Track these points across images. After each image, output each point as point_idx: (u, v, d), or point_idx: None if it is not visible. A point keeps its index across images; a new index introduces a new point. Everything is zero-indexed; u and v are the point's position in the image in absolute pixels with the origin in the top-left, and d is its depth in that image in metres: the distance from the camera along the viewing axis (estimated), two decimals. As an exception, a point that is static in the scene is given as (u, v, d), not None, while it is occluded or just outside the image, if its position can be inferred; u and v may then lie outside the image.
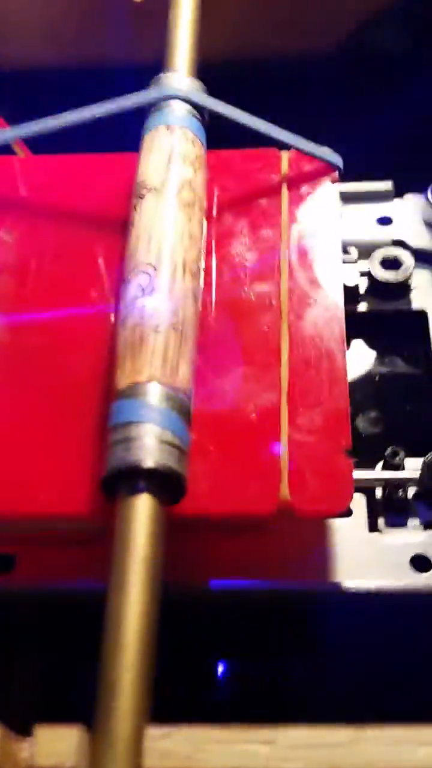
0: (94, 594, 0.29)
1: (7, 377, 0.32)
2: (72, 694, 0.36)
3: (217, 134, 0.35)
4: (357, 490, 0.33)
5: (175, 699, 0.24)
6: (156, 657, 0.23)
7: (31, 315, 0.33)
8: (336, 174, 0.36)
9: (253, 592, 0.32)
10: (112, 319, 0.32)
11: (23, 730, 0.22)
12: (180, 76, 0.35)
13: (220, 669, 0.35)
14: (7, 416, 0.31)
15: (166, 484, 0.26)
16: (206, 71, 0.37)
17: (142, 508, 0.25)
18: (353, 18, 0.45)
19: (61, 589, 0.33)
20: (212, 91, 0.36)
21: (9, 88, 0.46)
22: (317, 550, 0.33)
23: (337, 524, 0.33)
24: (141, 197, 0.31)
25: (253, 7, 0.44)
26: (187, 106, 0.34)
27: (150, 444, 0.25)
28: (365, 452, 0.35)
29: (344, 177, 0.37)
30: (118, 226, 0.34)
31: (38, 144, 0.37)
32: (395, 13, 0.45)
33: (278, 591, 0.32)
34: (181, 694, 0.30)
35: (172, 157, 0.32)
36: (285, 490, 0.28)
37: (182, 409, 0.27)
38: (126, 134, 0.36)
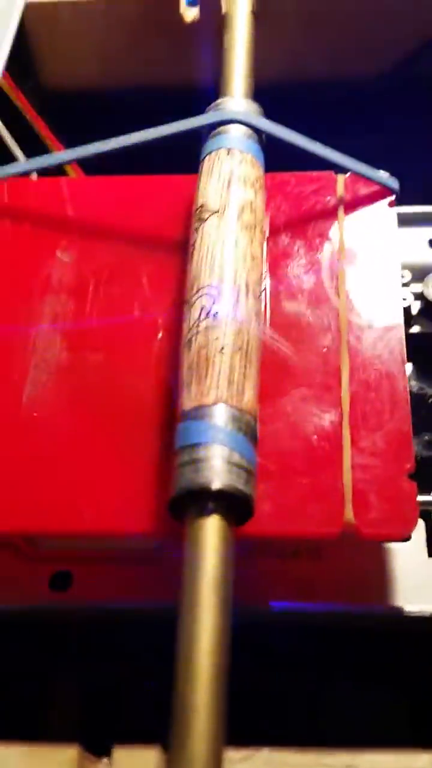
0: (150, 612, 0.29)
1: (68, 396, 0.32)
2: (114, 711, 0.36)
3: (273, 156, 0.36)
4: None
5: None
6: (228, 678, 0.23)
7: (90, 335, 0.33)
8: (393, 197, 0.36)
9: (313, 615, 0.32)
10: (167, 337, 0.32)
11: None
12: (237, 99, 0.35)
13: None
14: (67, 436, 0.31)
15: (234, 506, 0.25)
16: (260, 92, 0.37)
17: (212, 529, 0.25)
18: (404, 43, 0.45)
19: (117, 606, 0.33)
20: (267, 113, 0.36)
21: (58, 109, 0.46)
22: (375, 573, 0.33)
23: (396, 548, 0.33)
24: (202, 220, 0.31)
25: (306, 30, 0.44)
26: (246, 129, 0.34)
27: (218, 465, 0.25)
28: (421, 476, 0.35)
29: (398, 201, 0.37)
30: (174, 246, 0.35)
31: (89, 163, 0.38)
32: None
33: (337, 613, 0.32)
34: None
35: (232, 180, 0.32)
36: (349, 513, 0.28)
37: (249, 431, 0.27)
38: (177, 155, 0.36)
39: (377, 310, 0.33)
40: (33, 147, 0.42)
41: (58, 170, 0.38)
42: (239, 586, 0.25)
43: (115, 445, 0.31)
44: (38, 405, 0.32)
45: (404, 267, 0.41)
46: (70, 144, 0.39)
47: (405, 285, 0.40)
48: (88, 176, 0.40)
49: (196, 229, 0.31)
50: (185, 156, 0.36)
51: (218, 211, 0.31)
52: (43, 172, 0.38)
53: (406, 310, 0.39)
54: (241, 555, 0.27)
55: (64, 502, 0.30)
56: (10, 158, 0.42)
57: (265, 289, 0.33)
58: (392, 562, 0.33)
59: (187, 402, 0.27)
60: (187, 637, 0.23)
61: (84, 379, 0.33)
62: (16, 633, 0.34)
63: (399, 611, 0.32)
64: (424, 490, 0.35)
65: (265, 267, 0.34)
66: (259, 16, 0.39)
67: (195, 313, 0.29)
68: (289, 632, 0.33)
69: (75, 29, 0.45)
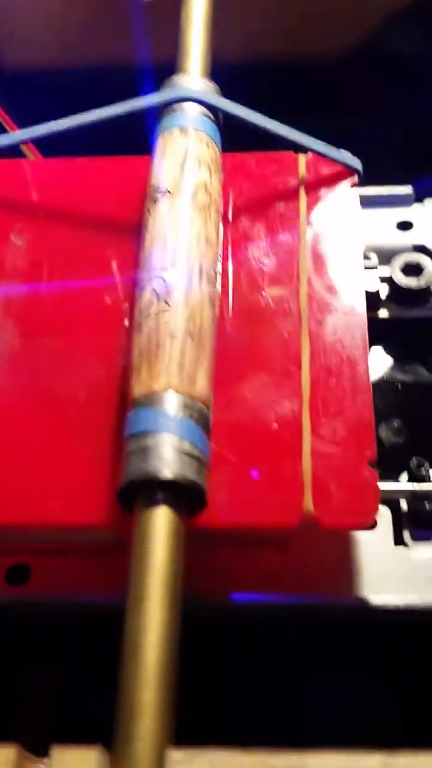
0: (111, 606, 0.28)
1: (20, 383, 0.31)
2: (86, 712, 0.35)
3: (233, 137, 0.35)
4: (381, 502, 0.32)
5: (191, 719, 0.22)
6: (178, 675, 0.22)
7: (43, 320, 0.32)
8: (356, 177, 0.35)
9: (276, 607, 0.31)
10: (126, 323, 0.31)
11: (36, 750, 0.21)
12: (193, 78, 0.34)
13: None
14: (20, 423, 0.30)
15: (184, 496, 0.25)
16: (219, 74, 0.36)
17: (161, 520, 0.24)
18: (366, 20, 0.44)
19: (76, 600, 0.32)
20: (225, 94, 0.35)
21: (15, 90, 0.45)
22: (341, 563, 0.32)
23: (362, 537, 0.32)
24: (155, 201, 0.30)
25: (265, 10, 0.43)
26: (201, 108, 0.33)
27: (167, 454, 0.24)
28: (388, 463, 0.34)
29: (362, 182, 0.36)
30: (131, 228, 0.33)
31: (49, 146, 0.36)
32: (407, 14, 0.44)
33: (301, 606, 0.31)
34: (196, 714, 0.29)
35: (186, 160, 0.31)
36: (309, 503, 0.27)
37: (201, 419, 0.26)
38: (135, 136, 0.35)
39: (339, 294, 0.32)
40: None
41: (16, 153, 0.37)
42: (199, 576, 0.25)
43: (70, 434, 0.29)
44: None
45: (372, 250, 0.40)
46: (26, 125, 0.38)
47: (372, 268, 0.39)
48: (45, 158, 0.39)
49: (149, 211, 0.31)
50: (143, 135, 0.35)
51: (171, 192, 0.30)
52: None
53: (374, 295, 0.38)
54: (202, 544, 0.26)
55: (14, 493, 0.28)
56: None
57: (223, 272, 0.32)
58: (359, 551, 0.32)
59: (137, 388, 0.26)
60: (133, 633, 0.22)
61: (39, 367, 0.31)
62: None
63: (365, 602, 0.31)
64: (391, 477, 0.34)
65: (225, 250, 0.33)
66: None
67: (146, 296, 0.28)
68: (252, 625, 0.32)
69: (31, 8, 0.44)
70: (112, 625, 0.23)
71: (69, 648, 0.37)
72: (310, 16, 0.43)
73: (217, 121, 0.33)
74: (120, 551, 0.30)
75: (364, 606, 0.31)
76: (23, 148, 0.37)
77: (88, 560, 0.32)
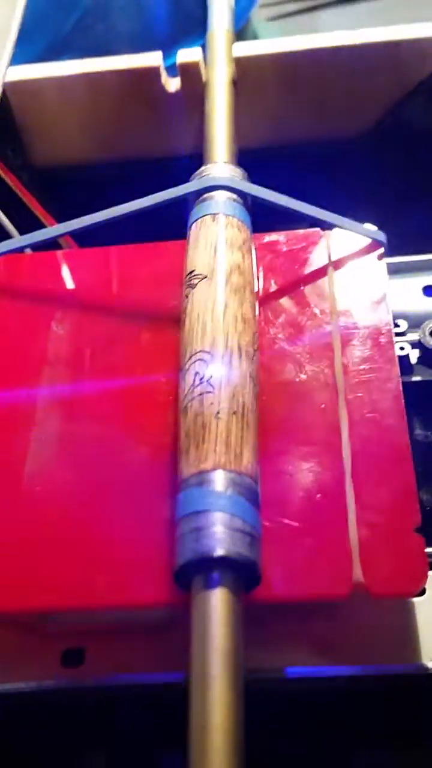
0: (168, 685, 0.28)
1: (71, 469, 0.32)
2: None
3: (263, 215, 0.36)
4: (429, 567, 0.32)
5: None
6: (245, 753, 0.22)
7: (90, 405, 0.33)
8: (381, 249, 0.36)
9: (331, 679, 0.31)
10: (167, 404, 0.32)
11: None
12: (221, 166, 0.36)
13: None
14: (70, 509, 0.31)
15: (239, 572, 0.25)
16: (245, 156, 0.37)
17: (218, 598, 0.24)
18: (382, 98, 0.46)
19: (132, 681, 0.32)
20: (252, 175, 0.36)
21: (47, 185, 0.47)
22: (393, 630, 0.32)
23: (412, 602, 0.32)
24: (192, 286, 0.32)
25: (286, 96, 0.45)
26: (230, 194, 0.34)
27: (220, 532, 0.25)
28: (432, 526, 0.35)
29: (386, 253, 0.37)
30: (168, 312, 0.35)
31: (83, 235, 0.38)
32: (422, 90, 0.45)
33: (357, 676, 0.31)
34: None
35: (219, 245, 0.33)
36: (358, 572, 0.28)
37: (250, 494, 0.27)
38: (167, 222, 0.37)
39: (373, 364, 0.33)
40: (25, 223, 0.42)
41: (53, 244, 0.39)
42: (251, 653, 0.25)
43: (122, 516, 0.30)
44: (40, 479, 0.32)
45: (400, 316, 0.41)
46: (60, 218, 0.39)
47: (402, 334, 0.40)
48: (81, 248, 0.40)
49: (187, 296, 0.32)
50: (176, 222, 0.36)
51: (207, 276, 0.31)
52: (38, 247, 0.38)
53: (405, 359, 0.39)
54: (252, 620, 0.26)
55: (72, 577, 0.29)
56: (4, 235, 0.43)
57: (260, 347, 0.33)
58: (410, 616, 0.32)
59: (186, 469, 0.27)
60: (199, 714, 0.22)
61: (86, 450, 0.32)
62: (30, 713, 0.33)
63: (422, 668, 0.31)
64: (435, 541, 0.34)
65: (260, 326, 0.34)
66: (238, 83, 0.40)
67: (189, 379, 0.29)
68: (307, 698, 0.33)
69: (59, 104, 0.46)
70: (166, 703, 0.24)
71: (121, 728, 0.37)
72: (329, 97, 0.45)
73: (245, 204, 0.35)
74: (175, 628, 0.31)
75: (419, 672, 0.31)
76: (60, 239, 0.39)
77: (143, 639, 0.32)
